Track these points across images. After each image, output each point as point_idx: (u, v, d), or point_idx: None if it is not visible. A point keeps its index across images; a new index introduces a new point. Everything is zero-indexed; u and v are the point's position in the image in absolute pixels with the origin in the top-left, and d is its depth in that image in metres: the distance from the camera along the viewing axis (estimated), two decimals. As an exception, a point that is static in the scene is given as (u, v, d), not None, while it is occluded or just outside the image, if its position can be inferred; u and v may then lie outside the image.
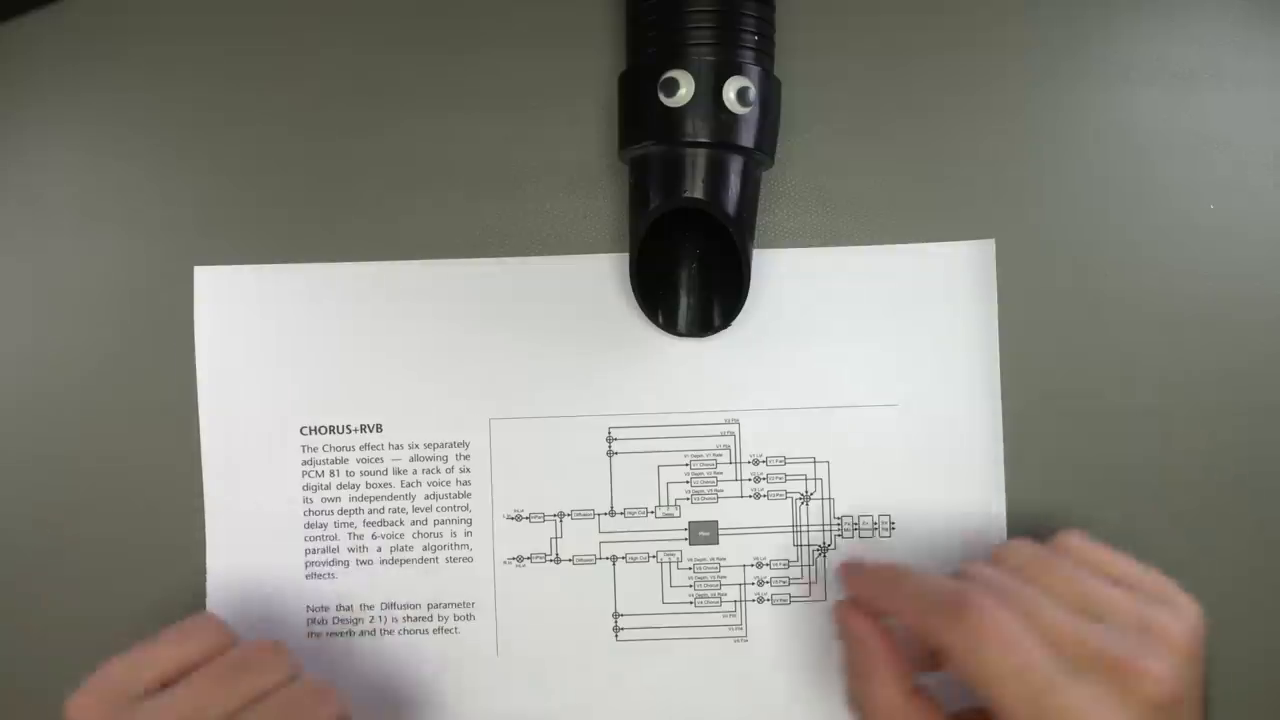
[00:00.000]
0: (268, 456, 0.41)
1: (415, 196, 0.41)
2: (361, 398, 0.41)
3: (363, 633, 0.41)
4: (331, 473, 0.41)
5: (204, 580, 0.41)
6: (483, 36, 0.41)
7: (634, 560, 0.41)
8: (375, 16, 0.42)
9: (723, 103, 0.37)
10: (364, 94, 0.41)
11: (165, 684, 0.34)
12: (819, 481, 0.41)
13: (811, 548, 0.41)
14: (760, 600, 0.41)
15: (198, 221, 0.41)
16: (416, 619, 0.41)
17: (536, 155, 0.41)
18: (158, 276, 0.41)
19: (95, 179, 0.42)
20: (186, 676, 0.34)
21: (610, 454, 0.41)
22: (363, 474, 0.41)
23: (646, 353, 0.41)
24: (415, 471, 0.41)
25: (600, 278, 0.41)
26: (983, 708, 0.33)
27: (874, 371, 0.41)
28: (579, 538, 0.41)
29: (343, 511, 0.41)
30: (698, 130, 0.37)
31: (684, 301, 0.40)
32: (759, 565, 0.41)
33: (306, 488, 0.41)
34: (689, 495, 0.41)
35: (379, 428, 0.41)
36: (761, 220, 0.40)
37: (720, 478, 0.41)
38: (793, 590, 0.41)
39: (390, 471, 0.41)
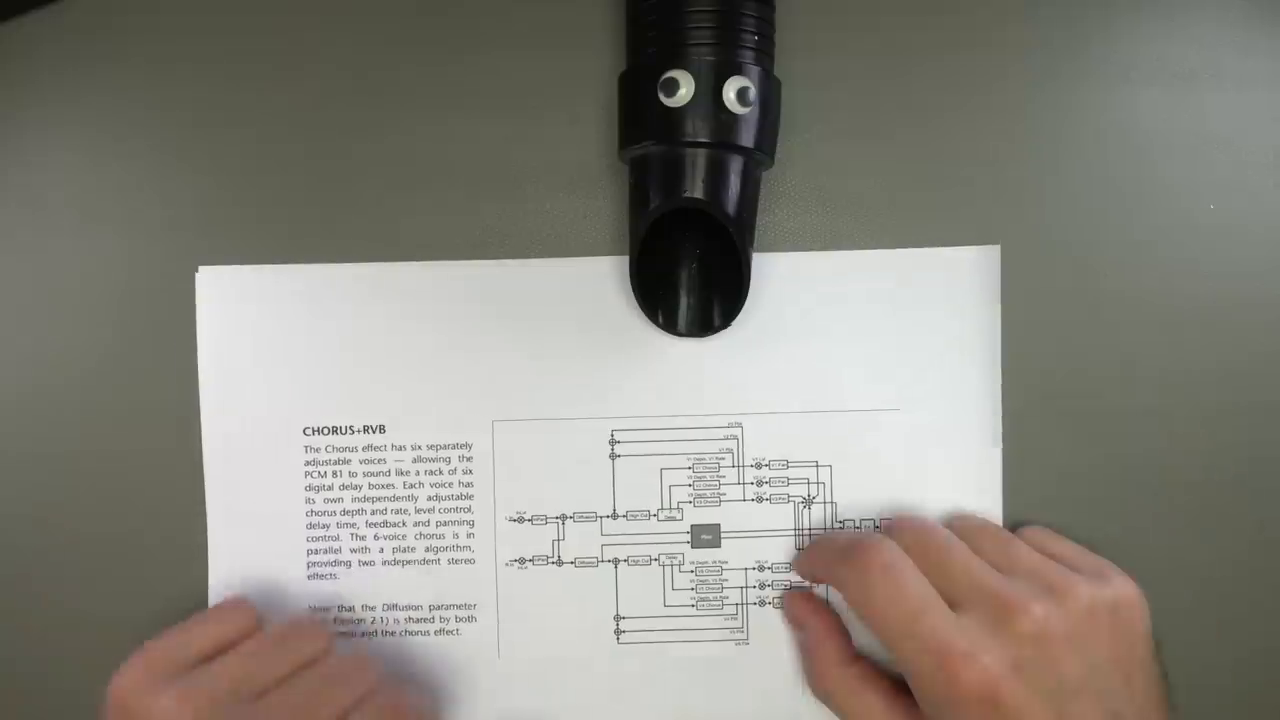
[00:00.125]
0: (270, 457, 0.41)
1: (415, 196, 0.41)
2: (364, 399, 0.41)
3: (364, 634, 0.41)
4: (334, 474, 0.41)
5: (206, 581, 0.41)
6: (483, 37, 0.41)
7: (636, 563, 0.41)
8: (375, 16, 0.41)
9: (723, 103, 0.36)
10: (364, 94, 0.41)
11: (205, 661, 0.35)
12: (821, 485, 0.41)
13: (813, 550, 0.41)
14: (762, 603, 0.41)
15: (199, 222, 0.41)
16: (418, 620, 0.41)
17: (536, 155, 0.41)
18: (159, 277, 0.41)
19: (95, 179, 0.42)
20: (228, 651, 0.36)
21: (613, 457, 0.41)
22: (365, 475, 0.41)
23: (647, 355, 0.41)
24: (418, 473, 0.41)
25: (601, 279, 0.41)
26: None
27: (877, 375, 0.41)
28: (581, 540, 0.41)
29: (345, 512, 0.41)
30: (698, 130, 0.36)
31: (684, 302, 0.40)
32: (761, 569, 0.41)
33: (309, 489, 0.41)
34: (691, 498, 0.41)
35: (382, 429, 0.41)
36: (761, 221, 0.40)
37: (723, 481, 0.41)
38: (794, 593, 0.41)
39: (393, 473, 0.41)
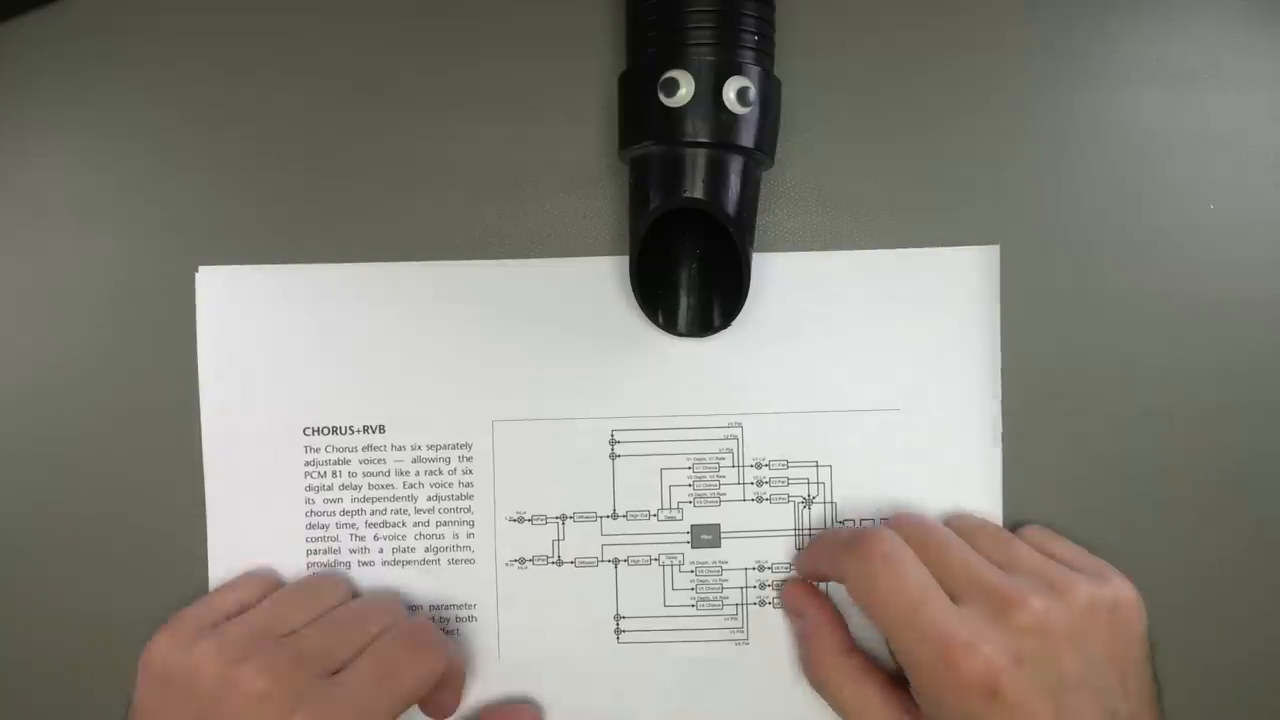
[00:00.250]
0: (270, 457, 0.41)
1: (415, 196, 0.41)
2: (364, 399, 0.41)
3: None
4: (334, 474, 0.41)
5: (206, 581, 0.41)
6: (483, 37, 0.41)
7: (636, 563, 0.41)
8: (375, 16, 0.41)
9: (723, 103, 0.36)
10: (364, 94, 0.41)
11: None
12: (821, 485, 0.41)
13: (813, 550, 0.41)
14: (762, 603, 0.41)
15: (199, 222, 0.41)
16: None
17: (536, 155, 0.41)
18: (159, 277, 0.41)
19: (95, 179, 0.42)
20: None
21: (613, 457, 0.41)
22: (365, 475, 0.41)
23: (647, 355, 0.41)
24: (418, 473, 0.41)
25: (601, 279, 0.41)
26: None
27: (877, 375, 0.41)
28: (581, 540, 0.41)
29: (345, 513, 0.41)
30: (698, 130, 0.36)
31: (684, 302, 0.40)
32: (761, 569, 0.41)
33: (309, 489, 0.41)
34: (691, 498, 0.41)
35: (382, 429, 0.41)
36: (761, 221, 0.40)
37: (723, 481, 0.41)
38: (794, 592, 0.41)
39: (393, 473, 0.41)
